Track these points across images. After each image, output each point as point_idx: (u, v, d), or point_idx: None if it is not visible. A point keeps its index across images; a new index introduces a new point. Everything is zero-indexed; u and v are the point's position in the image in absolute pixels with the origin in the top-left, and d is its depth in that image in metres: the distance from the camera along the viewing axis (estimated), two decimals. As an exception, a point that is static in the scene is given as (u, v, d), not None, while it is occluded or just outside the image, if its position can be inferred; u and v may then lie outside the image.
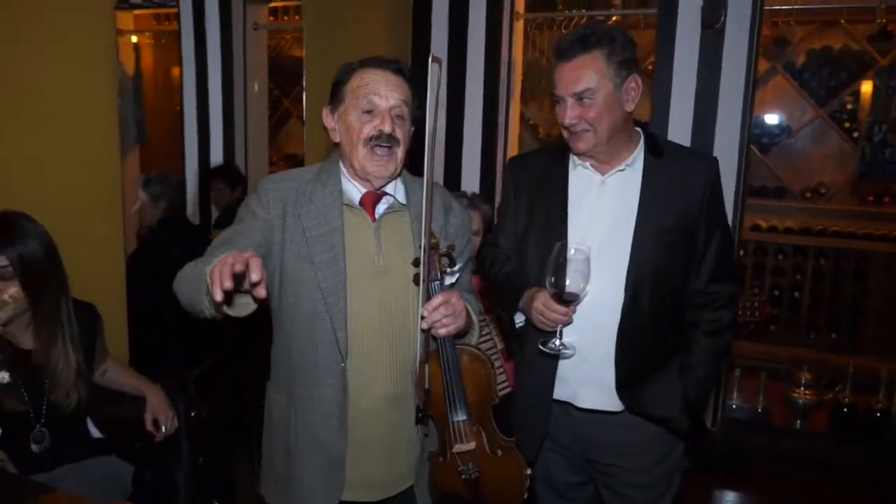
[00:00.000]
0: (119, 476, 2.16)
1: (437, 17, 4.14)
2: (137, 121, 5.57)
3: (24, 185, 2.29)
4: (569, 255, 1.69)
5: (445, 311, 1.59)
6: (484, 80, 4.11)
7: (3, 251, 1.96)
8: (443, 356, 1.63)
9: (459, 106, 4.17)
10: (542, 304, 1.76)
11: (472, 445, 1.67)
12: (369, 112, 1.67)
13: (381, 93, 1.67)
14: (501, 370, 2.95)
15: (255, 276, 1.31)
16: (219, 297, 1.30)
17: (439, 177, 4.25)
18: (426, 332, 1.62)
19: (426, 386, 1.64)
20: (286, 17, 5.88)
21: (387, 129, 1.66)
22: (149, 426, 2.24)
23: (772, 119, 5.24)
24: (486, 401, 1.71)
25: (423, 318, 1.59)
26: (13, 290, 2.00)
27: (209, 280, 1.33)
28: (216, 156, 4.84)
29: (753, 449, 3.85)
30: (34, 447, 2.04)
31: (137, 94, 5.65)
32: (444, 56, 4.13)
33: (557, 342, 1.79)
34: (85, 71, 2.39)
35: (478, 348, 1.73)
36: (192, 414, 2.31)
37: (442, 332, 1.60)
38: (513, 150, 4.26)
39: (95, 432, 2.25)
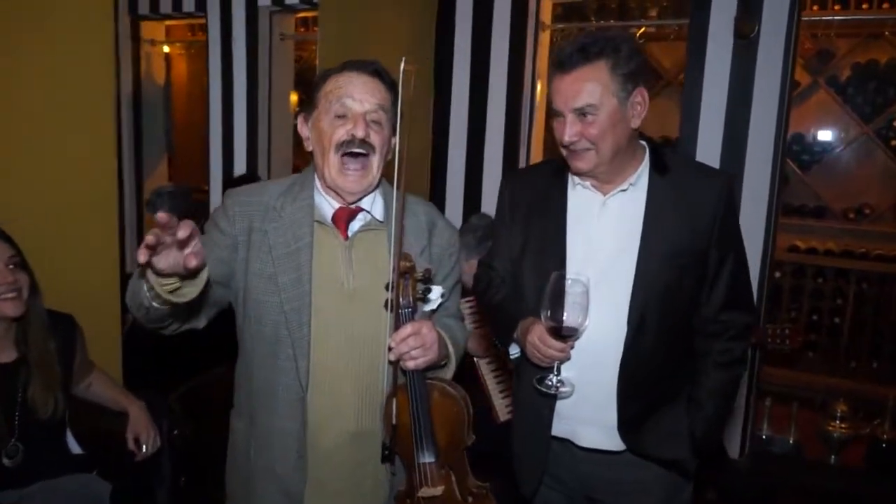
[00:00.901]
0: (97, 495, 2.10)
1: (461, 29, 4.04)
2: (166, 131, 5.58)
3: (17, 193, 2.27)
4: (566, 286, 1.55)
5: (415, 343, 1.48)
6: (507, 93, 3.99)
7: (11, 243, 2.03)
8: (411, 391, 1.52)
9: (481, 119, 4.05)
10: (538, 338, 1.61)
11: (439, 490, 1.54)
12: (342, 117, 1.56)
13: (354, 96, 1.55)
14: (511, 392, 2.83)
15: (181, 232, 1.19)
16: (142, 257, 1.20)
17: (458, 196, 4.15)
18: (394, 364, 1.51)
19: (393, 422, 1.52)
20: (316, 28, 5.85)
21: (359, 133, 1.53)
22: (130, 444, 2.18)
23: (813, 136, 5.00)
24: (458, 442, 1.58)
25: (390, 349, 1.48)
26: (26, 278, 2.04)
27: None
28: (240, 166, 4.82)
29: (783, 483, 3.63)
30: (6, 462, 2.00)
31: (167, 105, 5.66)
32: (466, 69, 4.03)
33: (554, 379, 1.64)
34: (82, 80, 2.36)
35: (451, 384, 1.60)
36: (175, 432, 2.24)
37: (410, 364, 1.49)
38: (536, 166, 4.12)
39: (76, 447, 2.20)
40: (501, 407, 2.83)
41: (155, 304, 1.37)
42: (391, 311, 1.50)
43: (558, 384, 1.64)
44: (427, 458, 1.54)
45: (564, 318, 1.55)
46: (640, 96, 1.64)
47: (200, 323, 1.60)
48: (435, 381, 1.58)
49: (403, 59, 1.43)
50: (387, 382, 1.57)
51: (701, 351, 1.76)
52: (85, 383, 2.24)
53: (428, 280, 1.56)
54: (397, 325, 1.50)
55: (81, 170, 2.41)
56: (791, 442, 3.84)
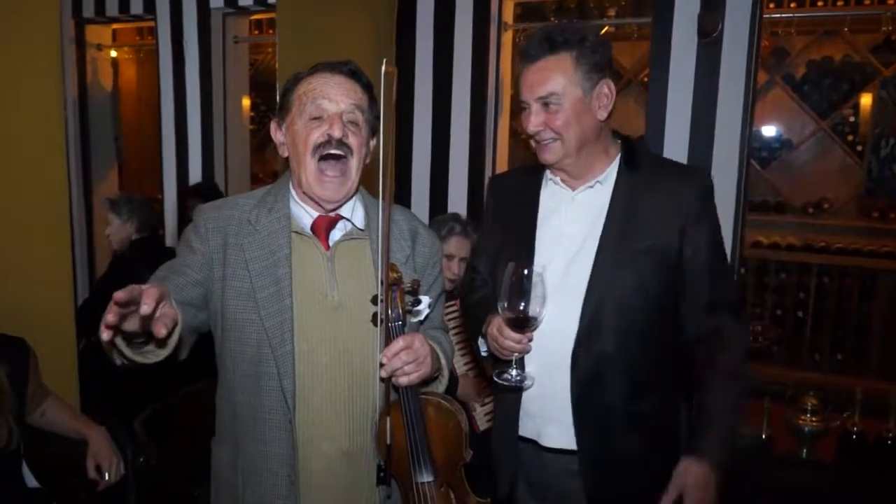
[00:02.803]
0: (57, 531, 1.96)
1: (422, 30, 3.97)
2: (115, 139, 5.37)
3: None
4: (521, 277, 1.51)
5: (407, 358, 1.40)
6: (471, 94, 3.93)
7: None
8: (405, 408, 1.43)
9: (445, 121, 3.98)
10: (496, 329, 1.57)
11: (439, 511, 1.46)
12: (318, 118, 1.48)
13: (330, 96, 1.48)
14: (492, 398, 2.76)
15: (143, 307, 1.08)
16: (104, 335, 1.09)
17: (423, 199, 4.06)
18: (386, 381, 1.42)
19: (388, 442, 1.43)
20: (271, 31, 5.71)
21: (336, 133, 1.45)
22: (91, 473, 2.03)
23: (771, 132, 5.06)
24: (456, 459, 1.51)
25: (382, 365, 1.39)
26: None
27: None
28: (195, 174, 4.66)
29: (756, 478, 3.63)
30: None
31: (116, 112, 5.45)
32: (429, 70, 3.96)
33: (514, 373, 1.59)
34: (27, 89, 2.21)
35: (445, 398, 1.52)
36: (141, 459, 2.10)
37: (403, 381, 1.40)
38: (502, 168, 4.08)
39: (32, 481, 2.04)
40: (481, 416, 2.77)
41: (125, 362, 1.27)
42: (381, 325, 1.41)
43: (518, 377, 1.60)
44: (425, 478, 1.46)
45: (520, 308, 1.50)
46: (606, 87, 1.63)
47: (182, 356, 1.49)
48: (429, 397, 1.51)
49: (384, 61, 1.35)
50: (379, 400, 1.48)
51: (701, 362, 1.64)
52: (39, 411, 2.09)
53: (416, 291, 1.48)
54: (387, 340, 1.41)
55: (29, 183, 2.26)
56: (763, 437, 3.85)
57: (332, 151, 1.47)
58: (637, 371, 1.64)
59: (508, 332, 1.54)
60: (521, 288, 1.50)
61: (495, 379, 1.62)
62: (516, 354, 1.58)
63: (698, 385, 1.64)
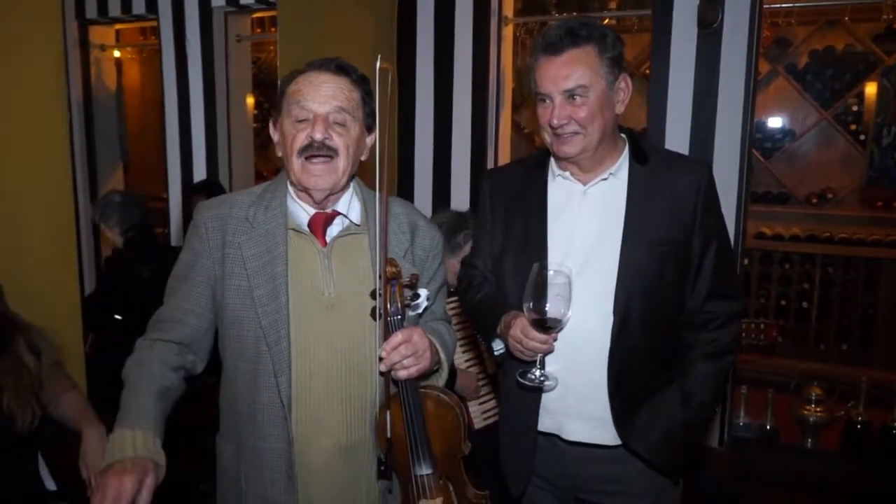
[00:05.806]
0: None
1: (423, 25, 3.99)
2: (120, 138, 5.40)
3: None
4: (548, 277, 1.51)
5: (406, 352, 1.41)
6: (472, 89, 3.94)
7: None
8: (404, 402, 1.45)
9: (447, 115, 4.00)
10: (520, 331, 1.58)
11: (438, 502, 1.48)
12: (304, 121, 1.49)
13: (315, 98, 1.48)
14: (490, 396, 2.77)
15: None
16: None
17: (426, 193, 4.09)
18: (386, 375, 1.43)
19: (388, 435, 1.45)
20: (273, 29, 5.73)
21: (318, 136, 1.46)
22: (84, 474, 1.95)
23: (774, 123, 5.05)
24: (455, 452, 1.52)
25: (381, 359, 1.41)
26: None
27: None
28: (199, 172, 4.69)
29: (761, 469, 3.64)
30: None
31: (120, 112, 5.48)
32: (430, 65, 3.98)
33: (538, 373, 1.61)
34: (31, 89, 2.23)
35: (445, 392, 1.54)
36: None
37: (402, 374, 1.42)
38: (504, 160, 4.09)
39: (51, 484, 2.03)
40: (477, 414, 2.77)
41: None
42: (379, 319, 1.42)
43: (542, 377, 1.61)
44: (424, 471, 1.48)
45: (547, 309, 1.52)
46: (624, 82, 1.66)
47: (198, 370, 1.57)
48: (428, 390, 1.52)
49: (379, 57, 1.36)
50: (378, 394, 1.50)
51: (688, 342, 1.74)
52: (55, 402, 2.06)
53: (414, 285, 1.50)
54: (386, 334, 1.43)
55: (34, 184, 2.28)
56: (768, 428, 3.86)
57: (316, 154, 1.48)
58: (662, 355, 1.72)
59: (533, 332, 1.55)
60: (547, 289, 1.50)
61: (519, 379, 1.63)
62: (540, 355, 1.60)
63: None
